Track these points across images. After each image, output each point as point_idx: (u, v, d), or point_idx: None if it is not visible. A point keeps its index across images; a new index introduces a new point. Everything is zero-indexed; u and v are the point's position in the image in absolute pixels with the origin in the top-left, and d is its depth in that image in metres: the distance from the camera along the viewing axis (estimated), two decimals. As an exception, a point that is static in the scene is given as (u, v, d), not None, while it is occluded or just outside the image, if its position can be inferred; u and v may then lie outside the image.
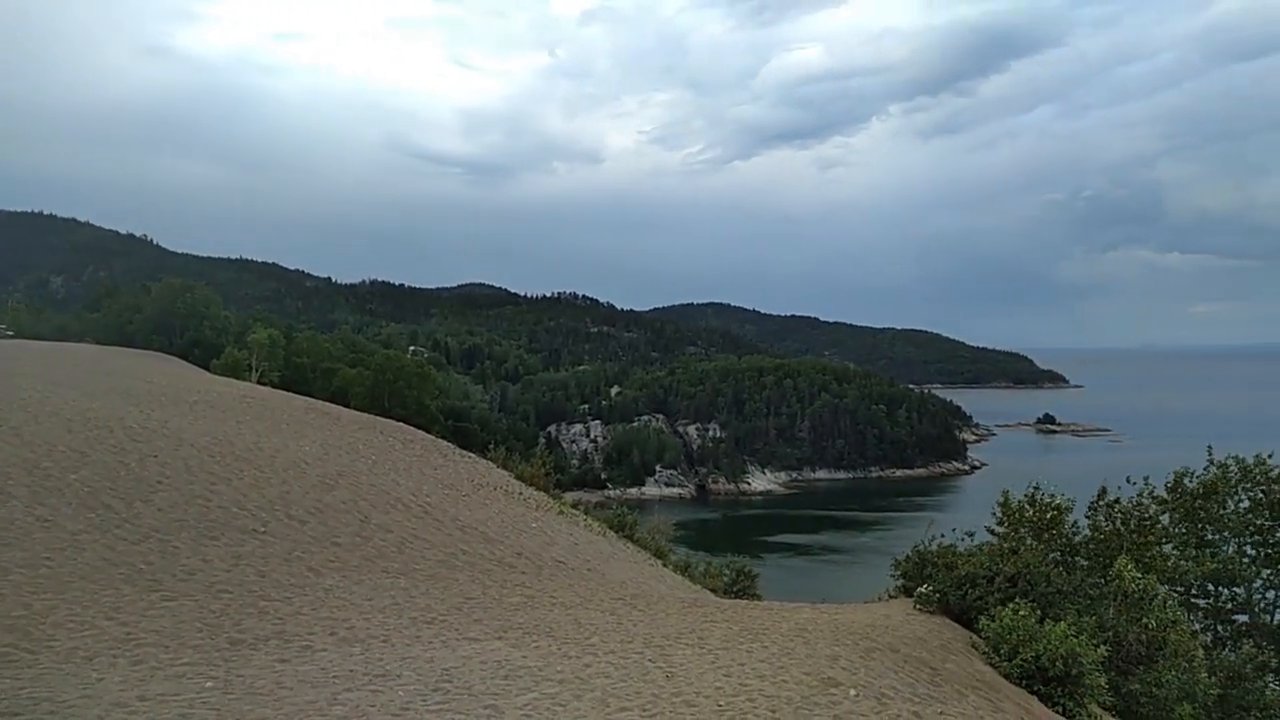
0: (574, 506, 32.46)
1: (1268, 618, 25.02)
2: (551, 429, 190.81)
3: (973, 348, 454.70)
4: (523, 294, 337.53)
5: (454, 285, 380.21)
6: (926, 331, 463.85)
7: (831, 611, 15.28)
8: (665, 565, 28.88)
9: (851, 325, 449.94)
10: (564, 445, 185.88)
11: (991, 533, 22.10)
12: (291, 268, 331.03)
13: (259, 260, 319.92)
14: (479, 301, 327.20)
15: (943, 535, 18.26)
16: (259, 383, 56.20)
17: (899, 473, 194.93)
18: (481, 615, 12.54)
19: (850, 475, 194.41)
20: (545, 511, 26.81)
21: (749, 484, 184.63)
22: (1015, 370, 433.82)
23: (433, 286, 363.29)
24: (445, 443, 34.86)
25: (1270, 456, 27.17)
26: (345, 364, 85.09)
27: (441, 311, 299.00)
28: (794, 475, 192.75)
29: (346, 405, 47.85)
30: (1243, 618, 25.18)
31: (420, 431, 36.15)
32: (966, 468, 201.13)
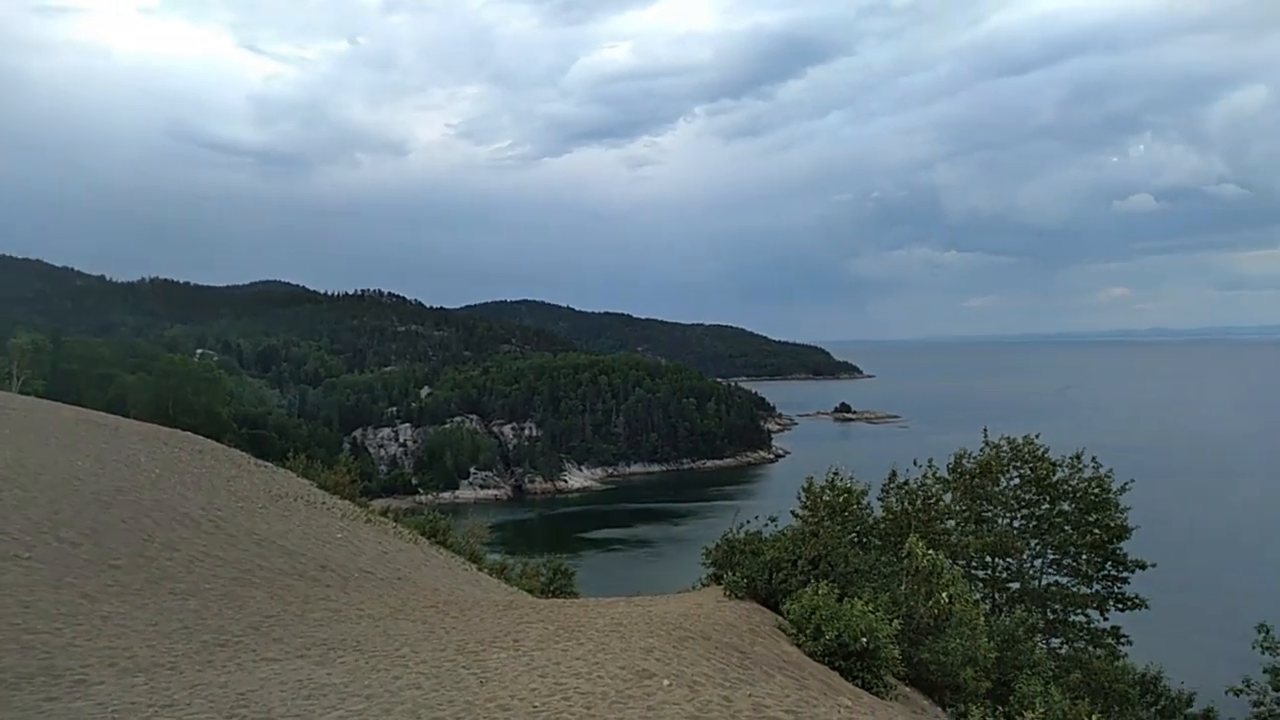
0: (383, 514, 31.28)
1: (1036, 583, 27.63)
2: (357, 434, 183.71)
3: (775, 342, 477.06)
4: (323, 291, 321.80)
5: (247, 283, 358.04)
6: (732, 327, 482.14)
7: (646, 604, 15.47)
8: (481, 569, 28.39)
9: (663, 321, 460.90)
10: (371, 450, 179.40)
11: (795, 516, 23.15)
12: (59, 265, 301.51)
13: (19, 257, 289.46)
14: (275, 300, 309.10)
15: (749, 522, 18.90)
16: (21, 393, 50.74)
17: (710, 463, 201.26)
18: (282, 634, 11.79)
19: (664, 468, 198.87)
20: (351, 521, 25.68)
21: (566, 482, 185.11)
22: (814, 362, 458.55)
23: (223, 285, 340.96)
24: (239, 452, 32.71)
25: (1037, 437, 30.00)
26: (124, 370, 78.34)
27: (233, 311, 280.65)
28: (610, 470, 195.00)
29: (126, 415, 44.02)
30: (1015, 585, 27.69)
31: (210, 441, 33.74)
32: (772, 456, 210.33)
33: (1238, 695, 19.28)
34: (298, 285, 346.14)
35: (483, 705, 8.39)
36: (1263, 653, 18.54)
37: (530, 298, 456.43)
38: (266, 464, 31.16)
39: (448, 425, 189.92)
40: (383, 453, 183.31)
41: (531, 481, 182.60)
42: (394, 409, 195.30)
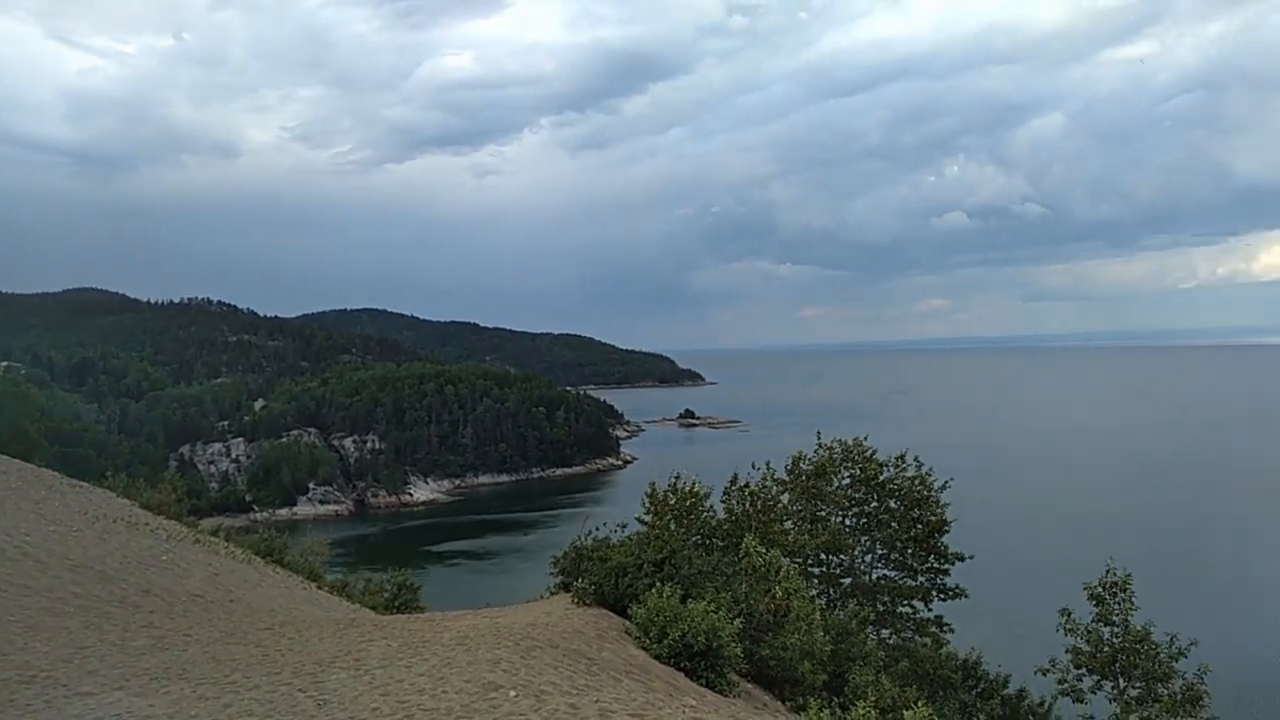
0: (213, 534, 29.57)
1: (867, 578, 29.13)
2: (185, 449, 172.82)
3: (622, 350, 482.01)
4: (145, 300, 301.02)
5: (59, 290, 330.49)
6: (580, 336, 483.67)
7: (494, 615, 15.36)
8: (320, 587, 27.30)
9: (511, 330, 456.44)
10: (200, 467, 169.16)
11: (641, 522, 23.51)
12: None
13: None
14: (91, 309, 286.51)
15: (597, 529, 19.07)
16: None
17: (559, 472, 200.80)
18: (98, 665, 11.01)
19: (513, 478, 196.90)
20: (178, 542, 24.18)
21: (411, 495, 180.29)
22: (659, 370, 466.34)
23: (32, 292, 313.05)
24: (50, 472, 30.17)
25: (865, 439, 31.69)
26: (-89, 385, 70.70)
27: (44, 321, 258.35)
28: (458, 482, 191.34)
29: (-87, 435, 39.78)
30: (848, 580, 29.11)
31: (18, 461, 30.97)
32: (620, 462, 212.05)
33: (1045, 675, 20.97)
34: (117, 293, 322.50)
35: (321, 728, 8.14)
36: (1065, 635, 20.24)
37: (372, 306, 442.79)
38: (82, 484, 28.90)
39: (284, 439, 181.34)
40: (213, 469, 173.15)
41: (375, 496, 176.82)
42: (225, 423, 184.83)
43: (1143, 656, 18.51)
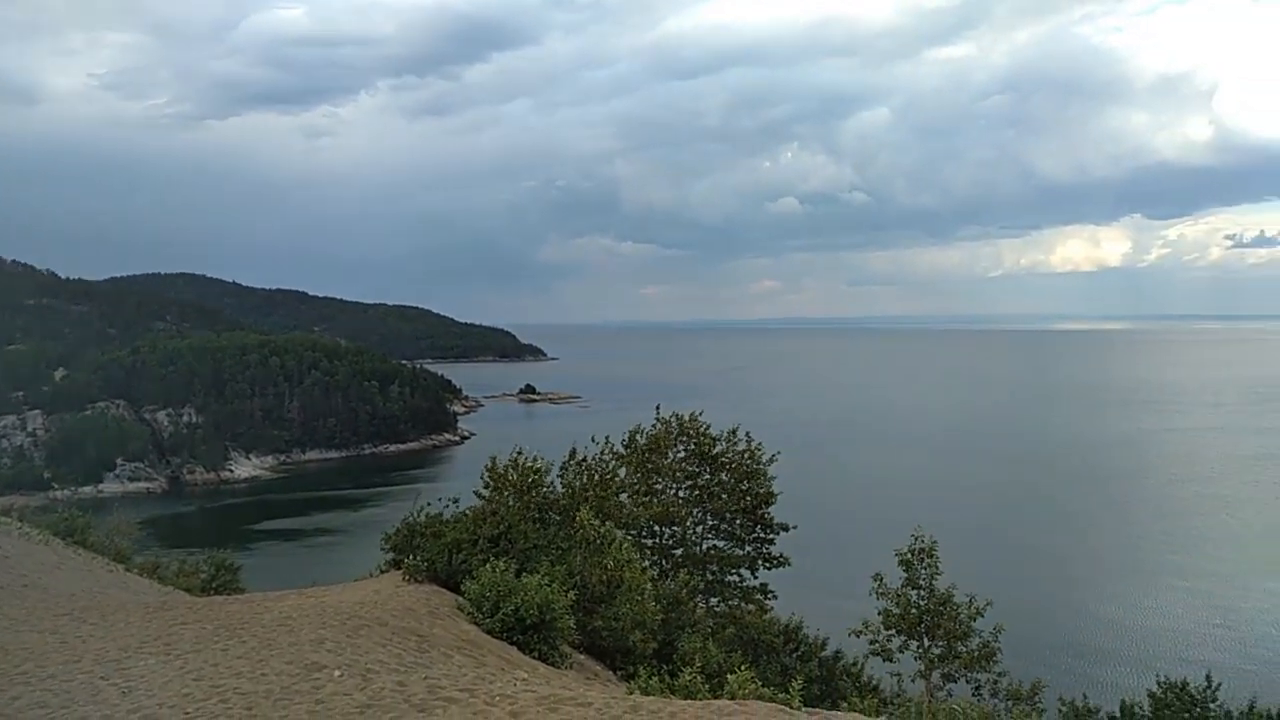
0: (5, 514, 27.18)
1: (697, 548, 30.06)
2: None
3: (461, 324, 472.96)
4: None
5: None
6: (417, 307, 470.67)
7: (319, 594, 14.86)
8: (129, 569, 25.59)
9: (343, 300, 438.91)
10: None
11: (479, 497, 23.29)
12: None
13: None
14: None
15: (429, 505, 18.77)
16: None
17: (393, 447, 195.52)
18: None
19: (343, 454, 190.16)
20: (-39, 523, 22.07)
21: (232, 471, 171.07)
22: (500, 345, 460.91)
23: None
24: None
25: (700, 414, 32.59)
26: None
27: None
28: (283, 458, 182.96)
29: None
30: (680, 551, 29.95)
31: None
32: (457, 438, 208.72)
33: (858, 636, 22.35)
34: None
35: (124, 718, 7.66)
36: (877, 599, 21.62)
37: (189, 270, 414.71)
38: None
39: (89, 411, 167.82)
40: (6, 444, 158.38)
41: (191, 472, 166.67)
42: (20, 393, 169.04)
43: (945, 617, 20.03)
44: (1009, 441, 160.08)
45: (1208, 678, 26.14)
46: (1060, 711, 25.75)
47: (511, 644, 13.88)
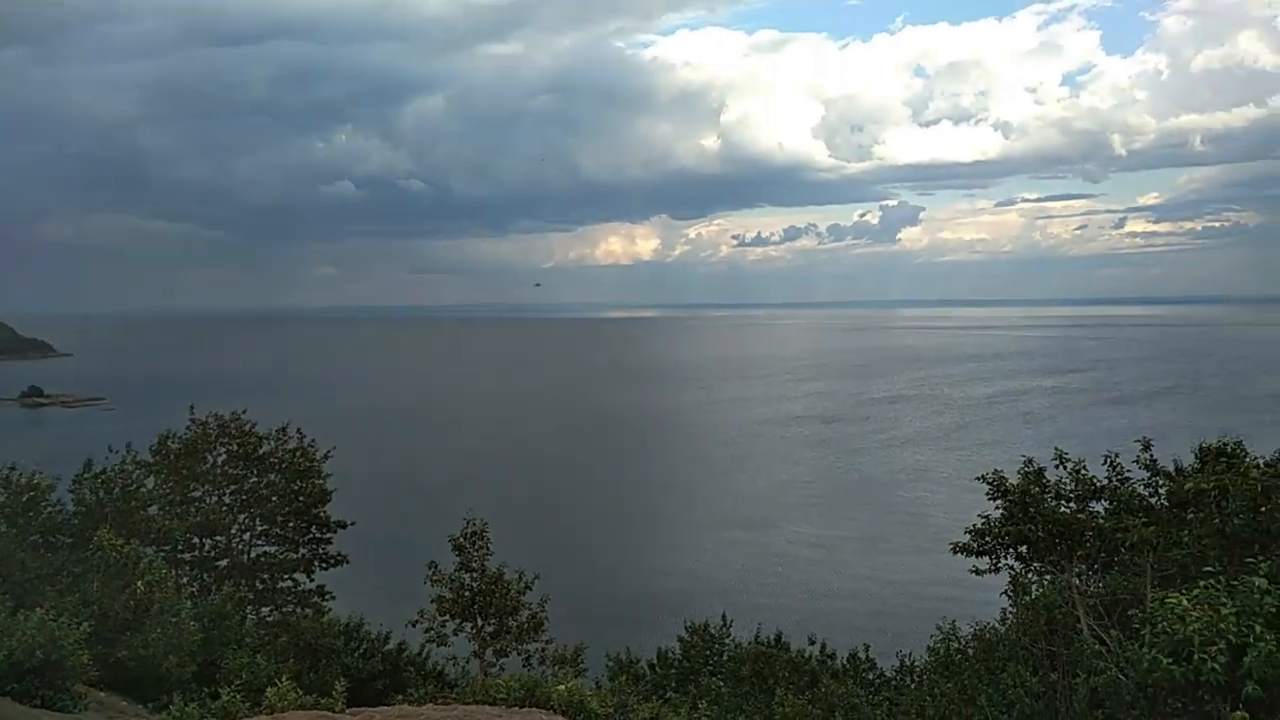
0: None
1: (245, 557, 28.19)
2: None
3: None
4: None
5: None
6: None
7: None
8: None
9: None
10: None
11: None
12: None
13: None
14: None
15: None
16: None
17: None
18: None
19: None
20: None
21: None
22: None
23: None
24: None
25: (244, 412, 30.53)
26: None
27: None
28: None
29: None
30: (225, 561, 27.84)
31: None
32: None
33: (415, 625, 22.68)
34: None
35: None
36: (433, 586, 22.12)
37: None
38: None
39: None
40: None
41: None
42: None
43: (496, 596, 21.09)
44: (568, 418, 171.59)
45: (724, 617, 31.49)
46: (607, 667, 28.49)
47: (3, 695, 12.00)
